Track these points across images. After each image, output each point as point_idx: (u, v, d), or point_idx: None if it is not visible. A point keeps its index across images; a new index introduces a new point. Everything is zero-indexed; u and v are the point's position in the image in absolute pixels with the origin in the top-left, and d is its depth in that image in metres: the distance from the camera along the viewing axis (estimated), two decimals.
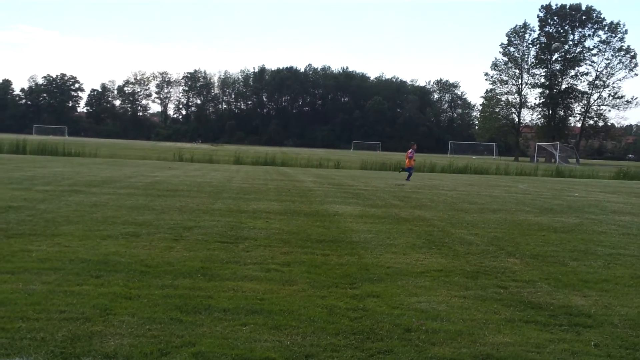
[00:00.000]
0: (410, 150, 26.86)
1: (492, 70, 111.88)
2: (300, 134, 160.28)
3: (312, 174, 29.93)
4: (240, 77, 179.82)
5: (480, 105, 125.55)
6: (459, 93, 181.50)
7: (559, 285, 6.92)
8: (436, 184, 25.23)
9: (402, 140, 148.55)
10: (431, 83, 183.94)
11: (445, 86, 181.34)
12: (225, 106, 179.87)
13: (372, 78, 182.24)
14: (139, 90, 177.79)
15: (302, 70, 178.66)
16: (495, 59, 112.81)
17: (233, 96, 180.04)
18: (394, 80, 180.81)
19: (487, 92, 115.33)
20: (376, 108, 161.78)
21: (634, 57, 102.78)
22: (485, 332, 5.17)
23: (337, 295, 6.15)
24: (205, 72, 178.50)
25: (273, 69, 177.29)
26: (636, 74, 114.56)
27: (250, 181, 21.89)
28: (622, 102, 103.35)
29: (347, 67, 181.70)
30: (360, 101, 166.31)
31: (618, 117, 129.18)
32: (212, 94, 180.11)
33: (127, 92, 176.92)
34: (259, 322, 5.19)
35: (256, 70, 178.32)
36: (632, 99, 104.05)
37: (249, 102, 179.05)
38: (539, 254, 8.84)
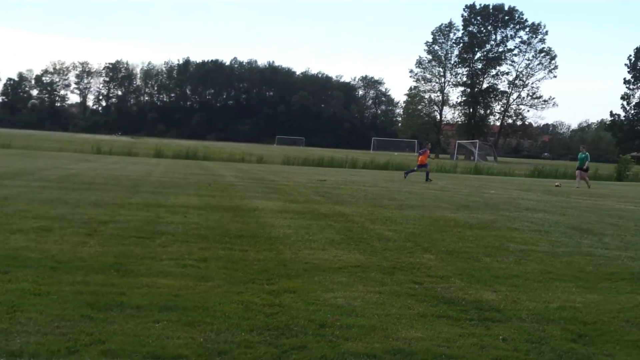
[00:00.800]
0: (424, 149, 28.66)
1: (416, 68, 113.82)
2: (224, 127, 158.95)
3: (234, 168, 29.77)
4: (164, 68, 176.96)
5: (404, 102, 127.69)
6: (383, 90, 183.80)
7: (472, 281, 7.09)
8: (357, 179, 25.49)
9: (327, 136, 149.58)
10: (356, 79, 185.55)
11: (370, 83, 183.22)
12: (147, 98, 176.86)
13: (297, 73, 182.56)
14: (57, 80, 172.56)
15: (228, 63, 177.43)
16: (420, 57, 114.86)
17: (156, 88, 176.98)
18: (320, 75, 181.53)
19: (410, 89, 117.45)
20: (301, 103, 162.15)
21: (553, 58, 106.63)
22: (399, 327, 5.24)
23: (254, 291, 6.12)
24: (127, 63, 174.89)
25: (198, 62, 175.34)
26: (555, 76, 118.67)
27: (170, 175, 21.59)
28: (540, 102, 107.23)
29: (273, 62, 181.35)
30: (286, 96, 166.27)
31: (536, 117, 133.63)
32: (134, 85, 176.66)
33: (45, 82, 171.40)
34: (172, 319, 5.11)
35: (180, 62, 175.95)
36: (549, 99, 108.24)
37: (172, 95, 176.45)
38: (454, 250, 9.04)
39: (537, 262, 8.53)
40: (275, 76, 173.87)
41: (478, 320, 5.58)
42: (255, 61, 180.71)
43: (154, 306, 5.42)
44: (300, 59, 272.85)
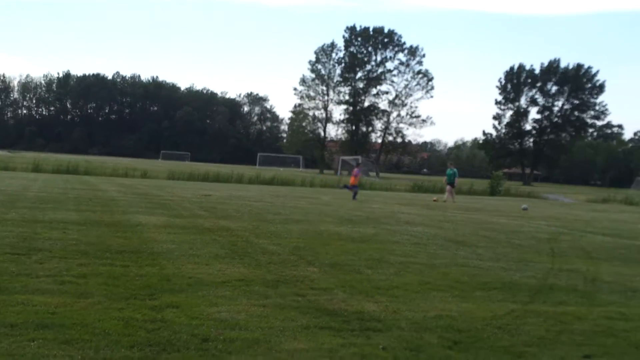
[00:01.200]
0: (356, 169, 29.28)
1: (300, 85, 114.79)
2: (106, 142, 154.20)
3: (117, 183, 28.98)
4: (43, 82, 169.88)
5: (289, 119, 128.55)
6: (269, 107, 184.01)
7: (354, 292, 7.24)
8: (243, 194, 25.42)
9: (212, 151, 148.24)
10: (241, 96, 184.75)
11: (255, 99, 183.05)
12: (25, 111, 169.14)
13: (182, 88, 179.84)
14: None
15: (110, 77, 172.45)
16: (304, 75, 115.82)
17: (34, 101, 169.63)
18: (205, 91, 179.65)
19: (295, 106, 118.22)
20: (186, 118, 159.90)
21: (430, 80, 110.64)
22: (282, 339, 5.29)
23: (135, 307, 6.00)
24: (4, 76, 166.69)
25: (79, 75, 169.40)
26: (432, 96, 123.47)
27: (48, 190, 20.77)
28: (419, 120, 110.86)
29: (157, 77, 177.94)
30: (170, 111, 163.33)
31: (415, 135, 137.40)
32: (11, 98, 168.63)
33: None
34: (49, 337, 4.93)
35: (60, 75, 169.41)
36: (427, 118, 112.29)
37: (52, 108, 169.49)
38: (337, 263, 9.20)
39: (415, 273, 8.81)
40: (159, 91, 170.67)
41: (360, 330, 5.71)
42: (139, 76, 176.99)
43: (29, 324, 5.21)
44: (184, 75, 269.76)
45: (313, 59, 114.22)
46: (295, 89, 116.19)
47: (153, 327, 5.39)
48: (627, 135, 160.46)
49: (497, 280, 8.59)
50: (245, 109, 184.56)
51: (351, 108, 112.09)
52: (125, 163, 65.33)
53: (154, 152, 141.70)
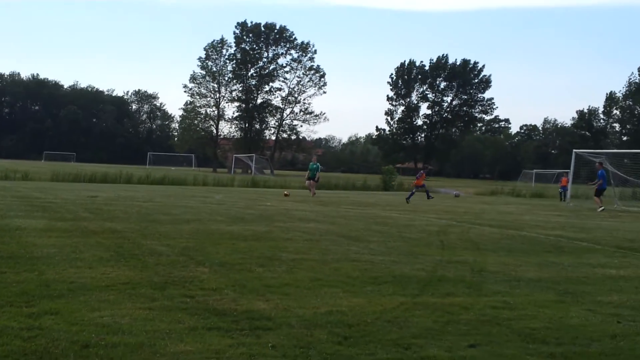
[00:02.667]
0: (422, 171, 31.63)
1: (190, 83, 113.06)
2: None
3: None
4: None
5: (180, 117, 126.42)
6: (158, 104, 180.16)
7: (244, 291, 7.11)
8: (132, 195, 24.73)
9: (99, 151, 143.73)
10: (129, 93, 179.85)
11: (144, 97, 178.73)
12: None
13: (65, 86, 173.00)
14: None
15: None
16: (194, 72, 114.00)
17: None
18: (90, 89, 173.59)
19: (186, 104, 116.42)
20: (70, 117, 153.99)
21: (322, 76, 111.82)
22: (168, 342, 5.10)
23: (11, 315, 5.64)
24: None
25: None
26: (325, 92, 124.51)
27: None
28: (312, 117, 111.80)
29: (37, 74, 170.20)
30: (53, 110, 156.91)
31: (308, 131, 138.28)
32: None
33: None
34: None
35: None
36: (320, 114, 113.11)
37: None
38: (228, 262, 9.03)
39: (307, 270, 8.77)
40: (41, 89, 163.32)
41: (249, 329, 5.59)
42: (18, 73, 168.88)
43: None
44: (67, 72, 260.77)
45: (203, 55, 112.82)
46: (185, 86, 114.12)
47: (29, 335, 5.07)
48: (514, 129, 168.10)
49: (388, 274, 8.68)
50: (134, 107, 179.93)
51: (244, 105, 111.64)
52: (4, 165, 62.27)
53: (36, 153, 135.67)
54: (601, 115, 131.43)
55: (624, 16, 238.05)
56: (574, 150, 37.41)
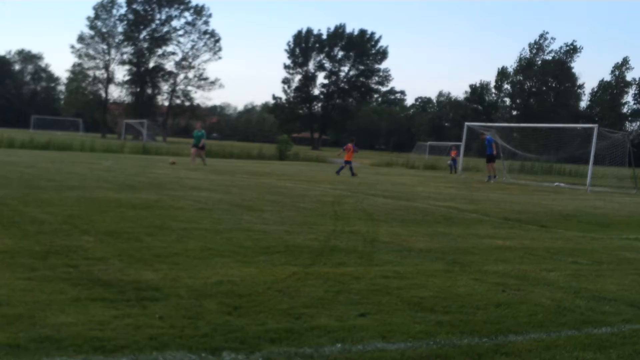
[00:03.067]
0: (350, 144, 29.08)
1: (78, 43, 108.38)
2: None
3: None
4: None
5: (67, 79, 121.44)
6: (43, 65, 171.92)
7: (132, 261, 6.86)
8: (13, 160, 23.57)
9: None
10: (12, 53, 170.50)
11: (28, 57, 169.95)
12: None
13: None
14: None
15: None
16: (82, 32, 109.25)
17: None
18: None
19: (74, 65, 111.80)
20: None
21: (217, 41, 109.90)
22: (48, 313, 4.83)
23: None
24: None
25: None
26: (220, 58, 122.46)
27: None
28: (207, 83, 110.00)
29: None
30: None
31: (203, 98, 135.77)
32: None
33: None
34: None
35: None
36: (215, 80, 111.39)
37: None
38: (115, 231, 8.70)
39: (198, 239, 8.58)
40: None
41: (135, 300, 5.39)
42: None
43: None
44: None
45: (92, 14, 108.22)
46: (72, 47, 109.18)
47: None
48: (409, 101, 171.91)
49: (281, 244, 8.61)
50: (17, 67, 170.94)
51: (135, 69, 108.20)
52: None
53: None
54: (493, 90, 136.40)
55: None
56: (466, 123, 38.53)
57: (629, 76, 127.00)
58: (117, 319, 4.84)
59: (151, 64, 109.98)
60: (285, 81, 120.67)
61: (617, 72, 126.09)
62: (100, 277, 6.08)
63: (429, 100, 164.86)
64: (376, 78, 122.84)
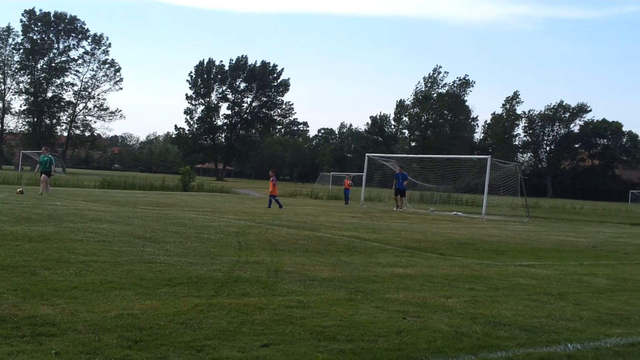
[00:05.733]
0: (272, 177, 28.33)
1: None
2: None
3: None
4: None
5: None
6: None
7: (27, 296, 6.66)
8: None
9: None
10: None
11: None
12: None
13: None
14: None
15: None
16: None
17: None
18: None
19: None
20: None
21: (118, 70, 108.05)
22: None
23: None
24: None
25: None
26: (121, 88, 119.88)
27: None
28: (107, 113, 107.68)
29: None
30: None
31: (104, 128, 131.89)
32: None
33: None
34: None
35: None
36: (116, 111, 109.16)
37: None
38: (10, 265, 8.41)
39: (98, 272, 8.40)
40: None
41: (31, 336, 5.24)
42: None
43: None
44: None
45: None
46: None
47: None
48: (312, 132, 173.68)
49: (184, 276, 8.55)
50: None
51: (32, 98, 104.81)
52: None
53: None
54: (392, 122, 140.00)
55: (414, 28, 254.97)
56: (367, 154, 39.33)
57: (519, 109, 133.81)
58: (11, 355, 4.70)
59: (49, 94, 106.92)
60: (188, 112, 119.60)
61: (508, 106, 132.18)
62: None
63: (331, 131, 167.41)
64: (279, 110, 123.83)
